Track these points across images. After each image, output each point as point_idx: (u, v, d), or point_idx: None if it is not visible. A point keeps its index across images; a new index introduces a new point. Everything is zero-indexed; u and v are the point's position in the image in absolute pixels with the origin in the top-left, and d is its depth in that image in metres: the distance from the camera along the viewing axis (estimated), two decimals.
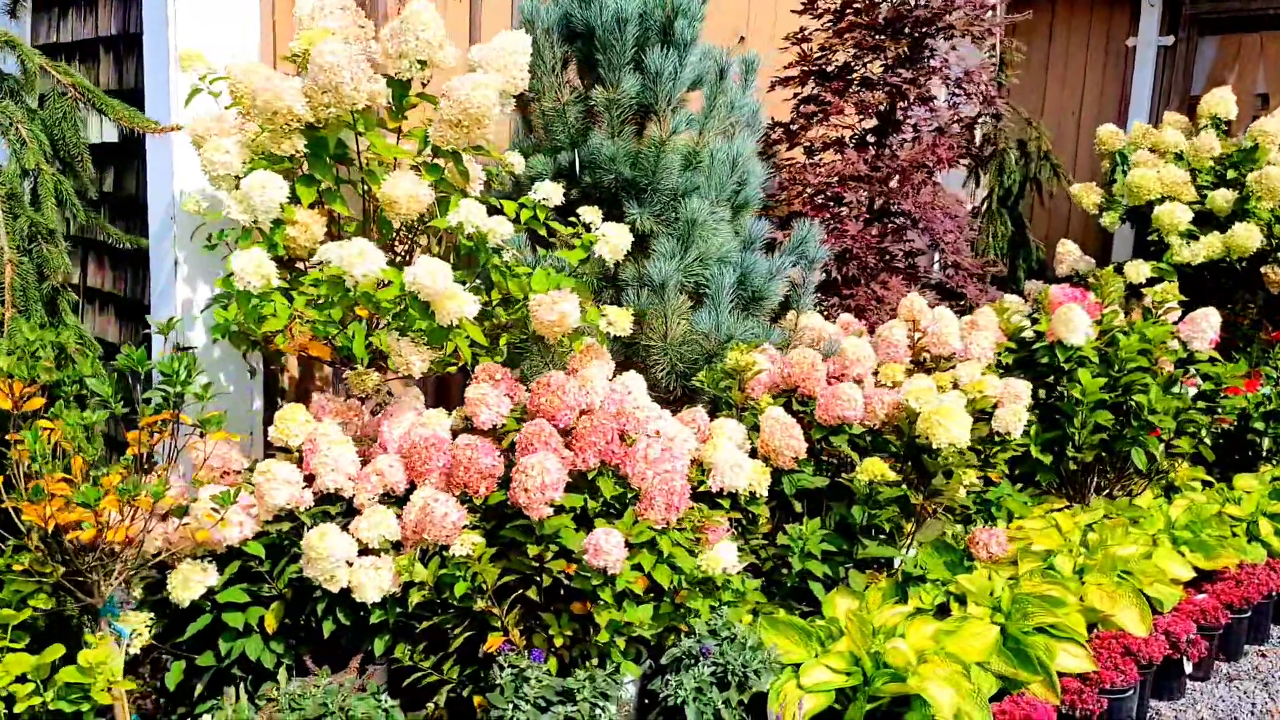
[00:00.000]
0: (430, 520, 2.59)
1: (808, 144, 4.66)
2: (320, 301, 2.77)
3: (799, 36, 4.78)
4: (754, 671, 2.69)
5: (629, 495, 2.78)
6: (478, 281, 3.12)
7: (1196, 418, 4.39)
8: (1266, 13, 5.41)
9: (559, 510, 2.68)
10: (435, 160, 3.04)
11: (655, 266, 3.39)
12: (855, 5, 4.65)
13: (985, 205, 5.55)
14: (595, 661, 2.73)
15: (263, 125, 2.81)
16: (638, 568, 2.70)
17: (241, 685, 2.70)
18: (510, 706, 2.50)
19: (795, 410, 3.28)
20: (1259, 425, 4.67)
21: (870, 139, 4.77)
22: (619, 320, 3.06)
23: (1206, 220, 4.73)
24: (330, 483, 2.70)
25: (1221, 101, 4.90)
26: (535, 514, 2.58)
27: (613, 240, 3.11)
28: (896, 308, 4.38)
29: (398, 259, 3.25)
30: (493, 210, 3.14)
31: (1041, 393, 4.10)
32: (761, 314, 3.89)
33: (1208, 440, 4.63)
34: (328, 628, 2.67)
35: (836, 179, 4.49)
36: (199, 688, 2.71)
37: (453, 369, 3.08)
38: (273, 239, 2.82)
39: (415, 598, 2.62)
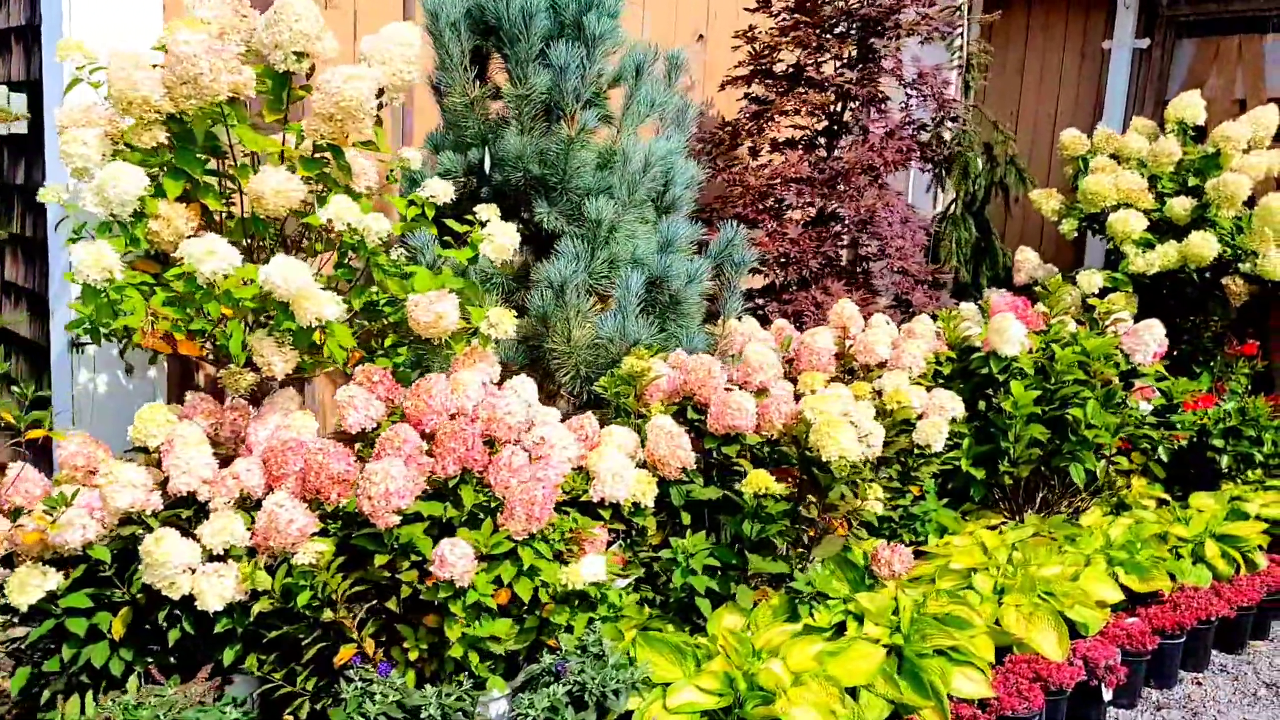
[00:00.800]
0: (275, 526, 2.49)
1: (753, 145, 4.54)
2: (179, 299, 2.69)
3: (748, 35, 4.66)
4: (613, 691, 2.57)
5: (494, 504, 2.68)
6: (362, 281, 3.04)
7: (1148, 433, 4.23)
8: (1244, 15, 5.22)
9: (414, 519, 2.58)
10: (316, 155, 2.95)
11: (554, 268, 3.29)
12: (805, 4, 4.53)
13: (949, 211, 5.39)
14: (462, 677, 2.63)
15: (123, 115, 2.73)
16: (497, 580, 2.60)
17: (90, 693, 2.62)
18: None
19: (691, 419, 3.16)
20: (1218, 443, 4.49)
21: (820, 141, 4.64)
22: (500, 322, 2.95)
23: (1168, 229, 4.55)
24: (182, 485, 2.62)
25: (1188, 106, 4.72)
26: (381, 523, 2.48)
27: (497, 240, 3.00)
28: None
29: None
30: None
31: (982, 405, 3.96)
32: (683, 319, 3.78)
33: (1164, 457, 4.47)
34: (173, 636, 2.59)
35: (779, 181, 4.37)
36: (45, 694, 2.63)
37: (330, 370, 2.99)
38: (133, 233, 2.74)
39: (260, 606, 2.53)
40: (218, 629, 2.57)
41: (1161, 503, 4.48)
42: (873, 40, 4.38)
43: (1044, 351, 3.85)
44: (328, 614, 2.56)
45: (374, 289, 3.05)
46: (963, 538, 3.78)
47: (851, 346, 3.86)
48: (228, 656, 2.62)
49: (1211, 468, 4.55)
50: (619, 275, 3.42)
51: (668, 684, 2.72)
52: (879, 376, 3.76)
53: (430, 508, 2.62)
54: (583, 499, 2.93)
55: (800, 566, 3.15)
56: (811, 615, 2.98)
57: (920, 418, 3.69)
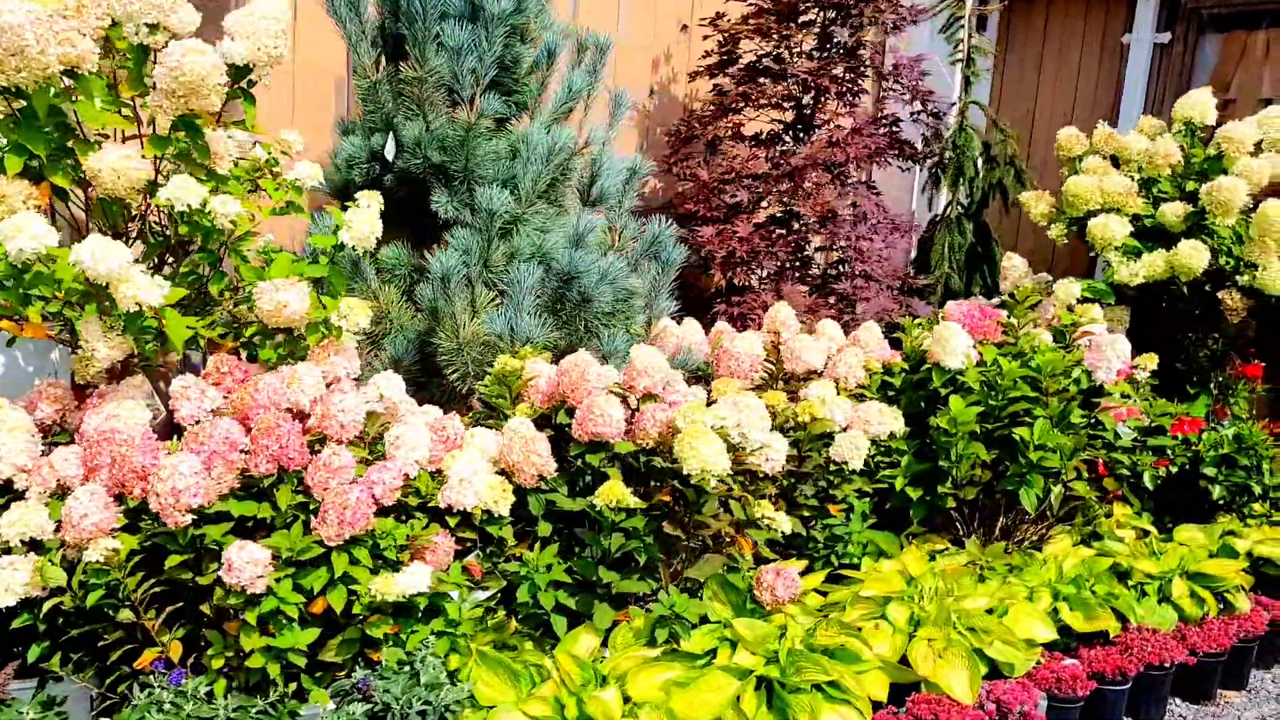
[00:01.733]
0: (69, 520, 2.37)
1: (712, 139, 4.30)
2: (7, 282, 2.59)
3: (714, 22, 4.43)
4: (419, 713, 2.39)
5: (314, 506, 2.51)
6: (222, 270, 2.90)
7: (1120, 458, 3.88)
8: (1272, 8, 4.79)
9: (221, 518, 2.43)
10: (175, 134, 2.83)
11: (439, 260, 3.11)
12: None
13: (945, 214, 5.06)
14: (292, 687, 2.47)
15: None
16: (300, 589, 2.43)
17: None
18: None
19: (561, 424, 2.95)
20: (1210, 471, 4.10)
21: (786, 136, 4.38)
22: (353, 313, 2.79)
23: (1162, 237, 4.17)
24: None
25: (1196, 105, 4.33)
26: (171, 521, 2.33)
27: (356, 227, 2.84)
28: (802, 319, 4.02)
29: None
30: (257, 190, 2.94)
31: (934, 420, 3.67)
32: (601, 319, 3.58)
33: (1150, 484, 4.12)
34: None
35: (732, 176, 4.12)
36: None
37: (173, 359, 2.86)
38: None
39: (53, 603, 2.41)
40: (14, 624, 2.46)
41: (1144, 534, 4.11)
42: (832, 28, 4.10)
43: (993, 366, 3.54)
44: (126, 614, 2.42)
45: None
46: (893, 562, 3.49)
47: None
48: (33, 654, 2.51)
49: (1205, 498, 4.17)
50: (512, 271, 3.22)
51: (493, 707, 2.52)
52: (808, 385, 3.51)
53: (244, 507, 2.47)
54: (431, 504, 2.75)
55: (679, 586, 2.92)
56: (675, 640, 2.75)
57: (846, 430, 3.43)
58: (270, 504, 2.51)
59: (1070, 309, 4.10)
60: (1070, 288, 4.18)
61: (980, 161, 5.01)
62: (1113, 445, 3.82)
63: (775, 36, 4.17)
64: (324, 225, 3.21)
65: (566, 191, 3.63)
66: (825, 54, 4.20)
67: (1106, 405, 3.88)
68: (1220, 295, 4.15)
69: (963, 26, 5.01)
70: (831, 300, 4.23)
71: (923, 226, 4.52)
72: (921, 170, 4.93)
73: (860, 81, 4.42)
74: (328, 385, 2.78)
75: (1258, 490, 4.13)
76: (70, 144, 2.76)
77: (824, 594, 3.35)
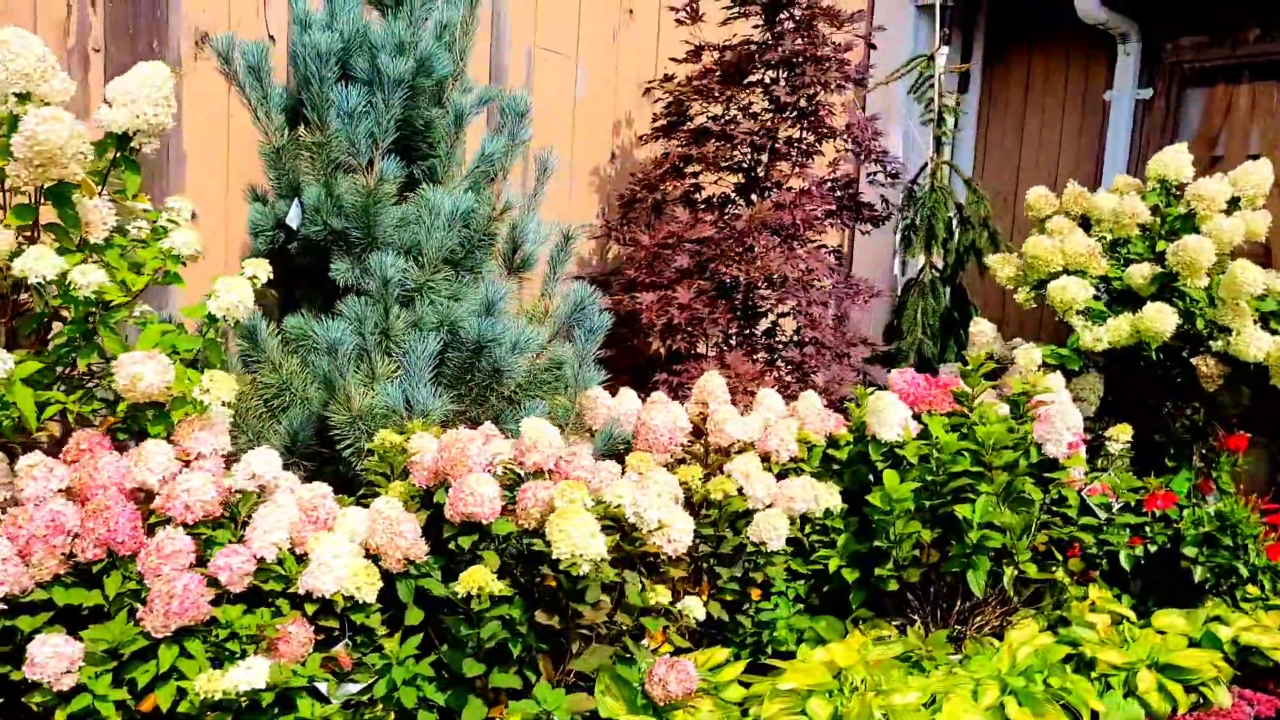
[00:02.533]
0: None
1: (653, 203, 4.16)
2: None
3: (661, 81, 4.32)
4: None
5: (145, 593, 2.35)
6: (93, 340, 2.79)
7: (1079, 535, 3.61)
8: (1258, 61, 4.57)
9: (44, 607, 2.28)
10: (40, 204, 2.74)
11: (325, 330, 2.98)
12: (728, 56, 4.15)
13: (919, 277, 4.85)
14: None
15: None
16: (130, 684, 2.26)
17: None
18: None
19: (442, 503, 2.77)
20: (1190, 551, 3.80)
21: (737, 199, 4.23)
22: (216, 387, 2.65)
23: (1130, 300, 3.93)
24: None
25: (1170, 162, 4.10)
26: None
27: (223, 297, 2.71)
28: (749, 389, 3.84)
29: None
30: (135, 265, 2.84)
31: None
32: (520, 391, 3.42)
33: (1127, 565, 3.84)
34: None
35: (673, 242, 3.97)
36: None
37: (41, 435, 2.74)
38: None
39: None
40: None
41: (1120, 620, 3.81)
42: (774, 88, 3.95)
43: (934, 439, 3.31)
44: None
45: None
46: (824, 651, 3.24)
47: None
48: None
49: (1187, 580, 3.86)
50: (408, 341, 3.08)
51: None
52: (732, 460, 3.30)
53: (69, 595, 2.32)
54: (291, 590, 2.57)
55: (568, 679, 2.71)
56: None
57: (770, 508, 3.22)
58: (101, 592, 2.36)
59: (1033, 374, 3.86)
60: (1031, 353, 3.94)
61: (955, 223, 4.81)
62: (1075, 522, 3.54)
63: (721, 98, 4.03)
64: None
65: (487, 259, 3.49)
66: (773, 114, 4.04)
67: (1073, 480, 3.62)
68: (1194, 361, 3.88)
69: (933, 85, 4.84)
70: (783, 369, 4.02)
71: (874, 291, 4.31)
72: (896, 233, 4.74)
73: (817, 143, 4.26)
74: (189, 462, 2.64)
75: (1244, 572, 3.82)
76: None
77: (747, 685, 3.11)
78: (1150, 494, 3.79)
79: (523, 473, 2.84)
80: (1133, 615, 3.83)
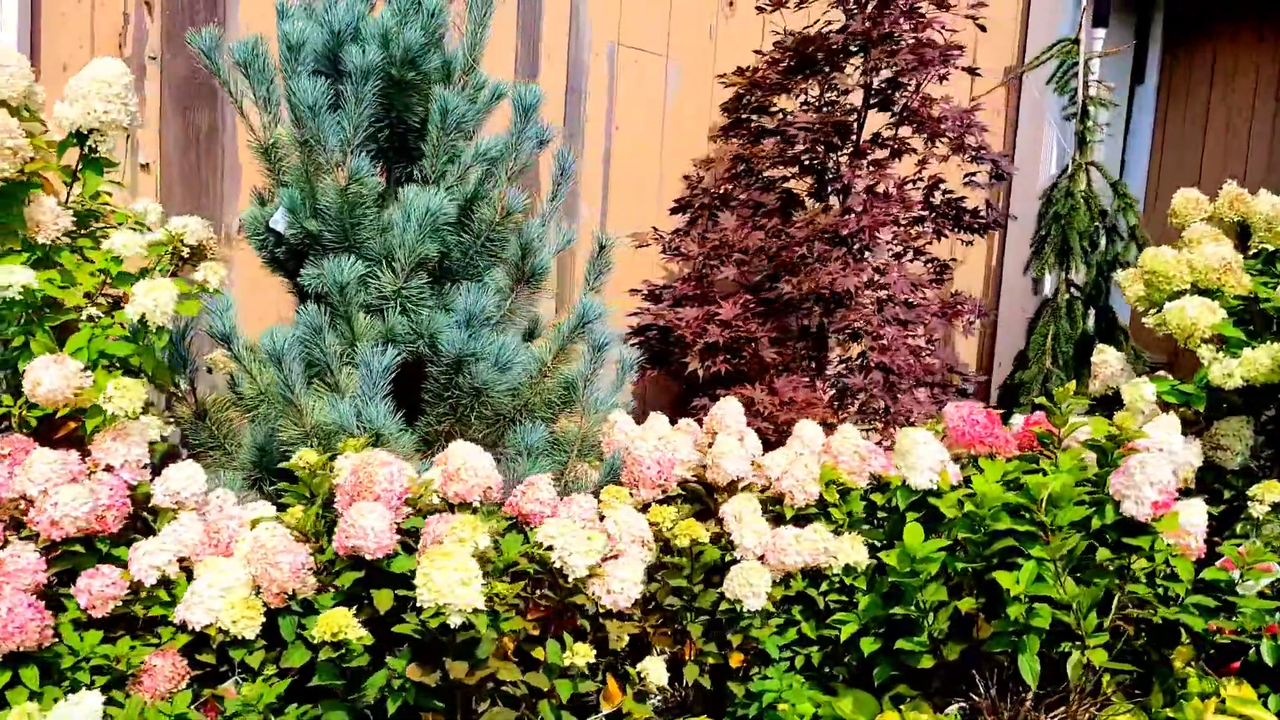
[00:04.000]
0: None
1: (710, 207, 3.74)
2: None
3: (736, 72, 3.89)
4: None
5: None
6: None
7: (1189, 620, 2.90)
8: None
9: None
10: None
11: (268, 338, 2.77)
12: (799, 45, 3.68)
13: (1055, 296, 4.16)
14: None
15: None
16: None
17: None
18: None
19: None
20: None
21: (806, 200, 3.74)
22: (120, 395, 2.49)
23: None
24: None
25: None
26: None
27: (139, 300, 2.56)
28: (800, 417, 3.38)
29: None
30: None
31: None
32: (513, 415, 3.11)
33: (1269, 658, 3.06)
34: None
35: (725, 252, 3.54)
36: None
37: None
38: None
39: None
40: None
41: None
42: (835, 78, 3.44)
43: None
44: None
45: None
46: None
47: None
48: None
49: None
50: (362, 354, 2.83)
51: None
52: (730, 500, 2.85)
53: None
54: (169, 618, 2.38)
55: None
56: None
57: (763, 560, 2.75)
58: None
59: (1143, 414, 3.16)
60: (1140, 389, 3.21)
61: (1101, 234, 4.09)
62: (1172, 601, 2.84)
63: (782, 92, 3.58)
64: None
65: (491, 268, 3.21)
66: (841, 107, 3.54)
67: (1186, 550, 2.91)
68: None
69: (1075, 75, 4.15)
70: (852, 400, 3.50)
71: (978, 308, 3.69)
72: (967, 242, 4.07)
73: (899, 140, 3.72)
74: (96, 471, 2.50)
75: None
76: None
77: None
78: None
79: (454, 504, 2.52)
80: (1266, 718, 3.05)
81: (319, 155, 2.94)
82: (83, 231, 2.92)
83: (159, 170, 3.94)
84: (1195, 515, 2.92)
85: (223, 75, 3.04)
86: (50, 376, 2.46)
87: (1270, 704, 3.15)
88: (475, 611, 2.15)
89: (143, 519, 2.59)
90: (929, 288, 3.67)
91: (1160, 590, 2.91)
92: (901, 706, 2.92)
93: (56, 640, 2.23)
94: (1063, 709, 2.99)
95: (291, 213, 3.01)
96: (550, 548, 2.42)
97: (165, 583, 2.41)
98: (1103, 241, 4.05)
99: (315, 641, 2.19)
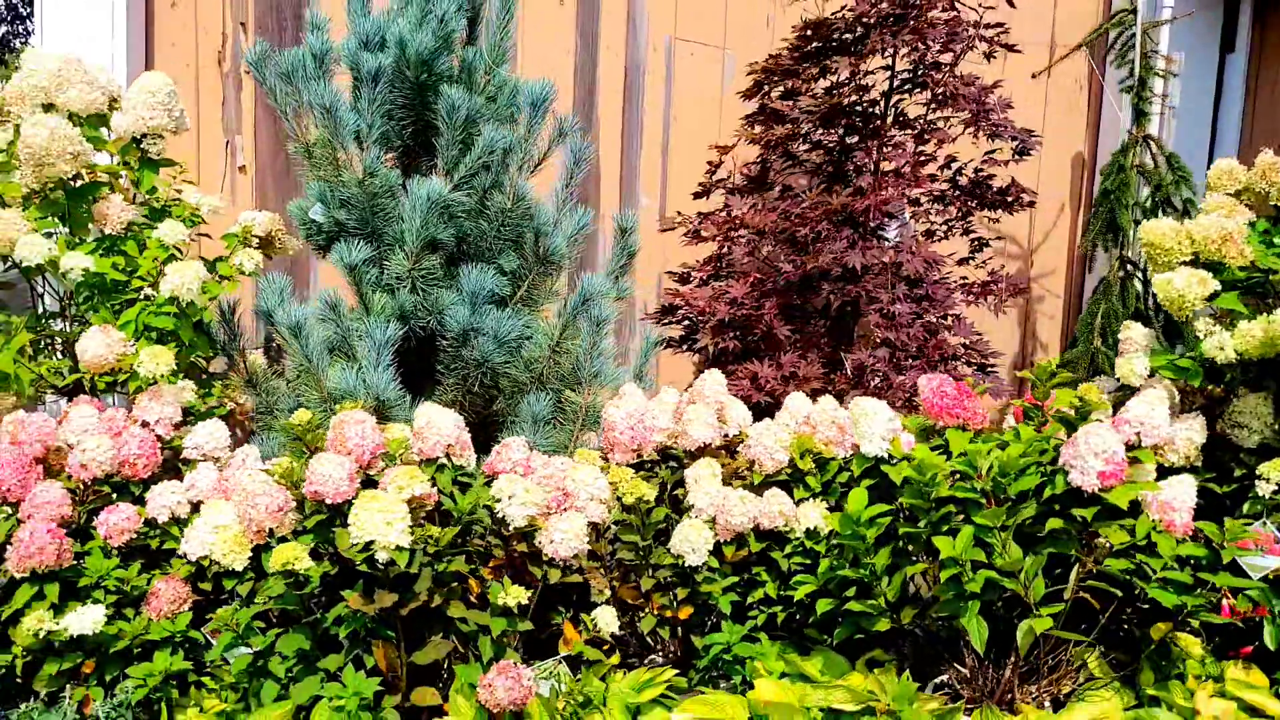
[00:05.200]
0: None
1: (735, 190, 3.89)
2: None
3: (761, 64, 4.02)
4: None
5: None
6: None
7: (1159, 595, 2.86)
8: None
9: None
10: (51, 197, 3.18)
11: (287, 312, 3.15)
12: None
13: (1108, 275, 4.07)
14: None
15: None
16: None
17: None
18: None
19: None
20: None
21: (831, 182, 3.83)
22: (150, 360, 2.92)
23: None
24: None
25: None
26: None
27: (170, 279, 2.99)
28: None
29: None
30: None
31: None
32: (508, 383, 3.40)
33: (1271, 641, 2.98)
34: None
35: (735, 227, 3.70)
36: None
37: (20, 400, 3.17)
38: None
39: None
40: None
41: (1254, 711, 2.95)
42: (831, 62, 3.52)
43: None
44: None
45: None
46: (774, 686, 2.84)
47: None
48: None
49: None
50: (362, 326, 3.17)
51: None
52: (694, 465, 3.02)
53: None
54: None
55: (395, 671, 2.64)
56: None
57: (713, 522, 2.91)
58: None
59: (1121, 387, 3.10)
60: (1132, 363, 3.14)
61: (1157, 209, 3.99)
62: (1147, 576, 2.81)
63: (794, 78, 3.69)
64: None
65: (506, 250, 3.50)
66: (846, 89, 3.62)
67: (1170, 525, 2.87)
68: None
69: (1133, 46, 4.05)
70: (871, 376, 3.58)
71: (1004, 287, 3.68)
72: (996, 220, 4.01)
73: (929, 120, 3.76)
74: (135, 428, 2.93)
75: None
76: None
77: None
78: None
79: (420, 460, 2.82)
80: (1274, 706, 2.95)
81: (339, 152, 3.29)
82: (153, 224, 3.38)
83: (254, 172, 4.44)
84: (1181, 492, 2.87)
85: (268, 84, 3.45)
86: (95, 344, 2.92)
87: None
88: (398, 549, 2.43)
89: (176, 468, 3.01)
90: (965, 266, 3.70)
91: (1139, 566, 2.87)
92: (875, 671, 3.01)
93: (76, 563, 2.66)
94: (1045, 682, 3.01)
95: (323, 204, 3.38)
96: (499, 498, 2.68)
97: (177, 521, 2.81)
98: (1158, 216, 3.93)
99: (269, 570, 2.53)
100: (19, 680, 2.65)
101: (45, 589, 2.60)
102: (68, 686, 2.63)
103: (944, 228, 3.94)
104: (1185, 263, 3.13)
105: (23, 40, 10.33)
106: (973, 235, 3.96)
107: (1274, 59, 4.45)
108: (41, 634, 2.53)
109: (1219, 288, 3.02)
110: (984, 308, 3.80)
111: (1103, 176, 4.05)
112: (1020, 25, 4.64)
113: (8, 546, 2.60)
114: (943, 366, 3.60)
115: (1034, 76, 4.45)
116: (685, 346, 3.91)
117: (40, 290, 3.37)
